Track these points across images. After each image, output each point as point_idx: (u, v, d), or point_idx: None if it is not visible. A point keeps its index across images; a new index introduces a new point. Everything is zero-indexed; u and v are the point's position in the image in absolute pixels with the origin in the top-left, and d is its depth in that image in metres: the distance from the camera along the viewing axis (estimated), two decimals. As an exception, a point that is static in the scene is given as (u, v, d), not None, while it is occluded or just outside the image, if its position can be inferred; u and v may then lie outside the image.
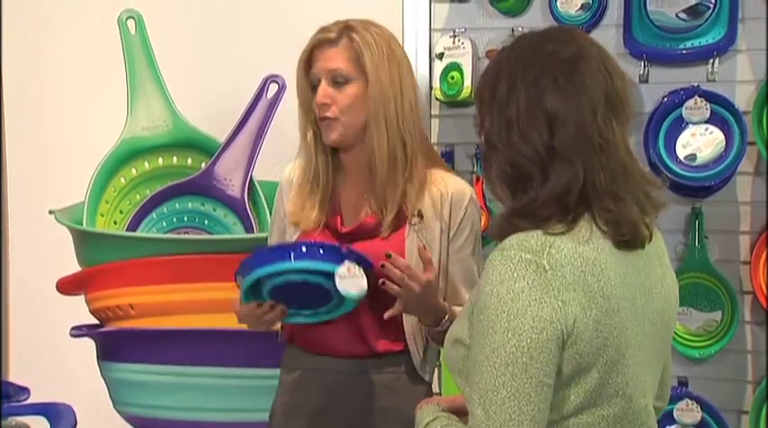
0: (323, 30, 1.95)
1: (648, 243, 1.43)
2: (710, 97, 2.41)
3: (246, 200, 2.69)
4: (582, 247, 1.34)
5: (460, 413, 1.48)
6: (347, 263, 1.79)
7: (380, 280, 1.81)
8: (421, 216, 1.93)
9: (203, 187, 2.70)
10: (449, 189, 1.96)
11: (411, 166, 1.94)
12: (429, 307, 1.86)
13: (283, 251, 1.85)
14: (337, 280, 1.78)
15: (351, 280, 1.79)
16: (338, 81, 1.92)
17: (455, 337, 1.45)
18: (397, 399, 1.95)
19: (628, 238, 1.38)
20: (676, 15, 2.45)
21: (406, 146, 1.93)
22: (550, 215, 1.36)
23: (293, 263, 1.81)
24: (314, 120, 1.96)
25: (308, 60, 1.95)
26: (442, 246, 1.95)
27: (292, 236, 2.01)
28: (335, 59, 1.92)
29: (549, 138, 1.36)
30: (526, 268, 1.31)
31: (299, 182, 2.02)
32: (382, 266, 1.81)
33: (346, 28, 1.94)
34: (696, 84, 2.43)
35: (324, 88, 1.92)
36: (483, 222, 2.51)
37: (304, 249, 1.83)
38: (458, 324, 1.46)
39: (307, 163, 2.00)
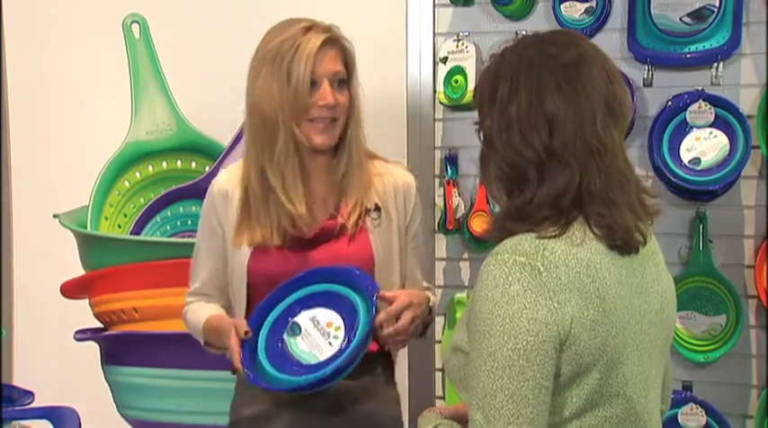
0: (324, 29, 1.89)
1: (643, 247, 1.42)
2: (715, 101, 2.40)
3: (250, 203, 2.69)
4: (575, 249, 1.34)
5: (463, 421, 1.47)
6: None
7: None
8: (378, 209, 1.94)
9: (207, 191, 2.70)
10: (398, 179, 1.98)
11: (366, 163, 1.95)
12: (419, 308, 1.86)
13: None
14: None
15: None
16: (341, 83, 1.90)
17: (455, 345, 1.44)
18: (374, 403, 1.93)
19: (620, 243, 1.38)
20: (680, 19, 2.44)
21: (361, 144, 1.95)
22: (544, 218, 1.36)
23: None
24: (302, 119, 1.86)
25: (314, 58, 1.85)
26: (401, 235, 1.97)
27: (245, 252, 1.90)
28: (337, 61, 1.89)
29: (549, 140, 1.36)
30: (520, 271, 1.31)
31: (258, 195, 1.89)
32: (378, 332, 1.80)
33: (333, 28, 1.90)
34: (700, 88, 2.42)
35: (329, 89, 1.87)
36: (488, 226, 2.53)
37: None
38: (457, 332, 1.46)
39: (276, 168, 1.86)
